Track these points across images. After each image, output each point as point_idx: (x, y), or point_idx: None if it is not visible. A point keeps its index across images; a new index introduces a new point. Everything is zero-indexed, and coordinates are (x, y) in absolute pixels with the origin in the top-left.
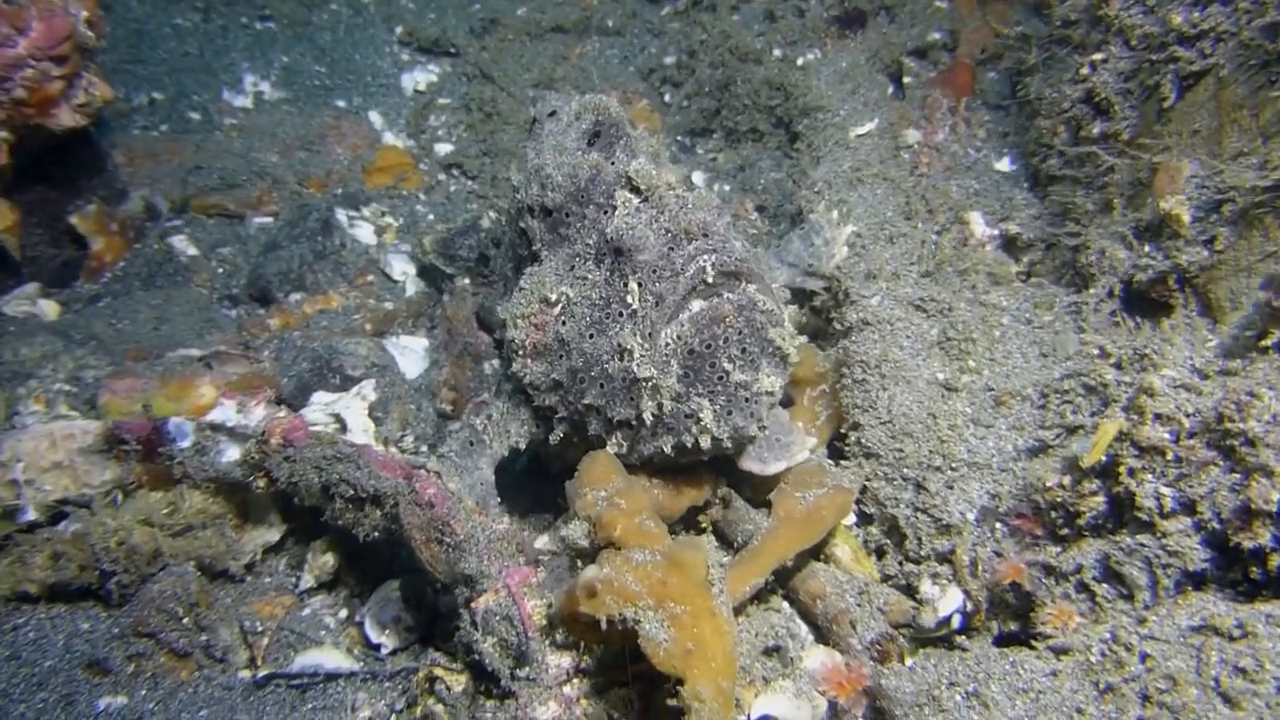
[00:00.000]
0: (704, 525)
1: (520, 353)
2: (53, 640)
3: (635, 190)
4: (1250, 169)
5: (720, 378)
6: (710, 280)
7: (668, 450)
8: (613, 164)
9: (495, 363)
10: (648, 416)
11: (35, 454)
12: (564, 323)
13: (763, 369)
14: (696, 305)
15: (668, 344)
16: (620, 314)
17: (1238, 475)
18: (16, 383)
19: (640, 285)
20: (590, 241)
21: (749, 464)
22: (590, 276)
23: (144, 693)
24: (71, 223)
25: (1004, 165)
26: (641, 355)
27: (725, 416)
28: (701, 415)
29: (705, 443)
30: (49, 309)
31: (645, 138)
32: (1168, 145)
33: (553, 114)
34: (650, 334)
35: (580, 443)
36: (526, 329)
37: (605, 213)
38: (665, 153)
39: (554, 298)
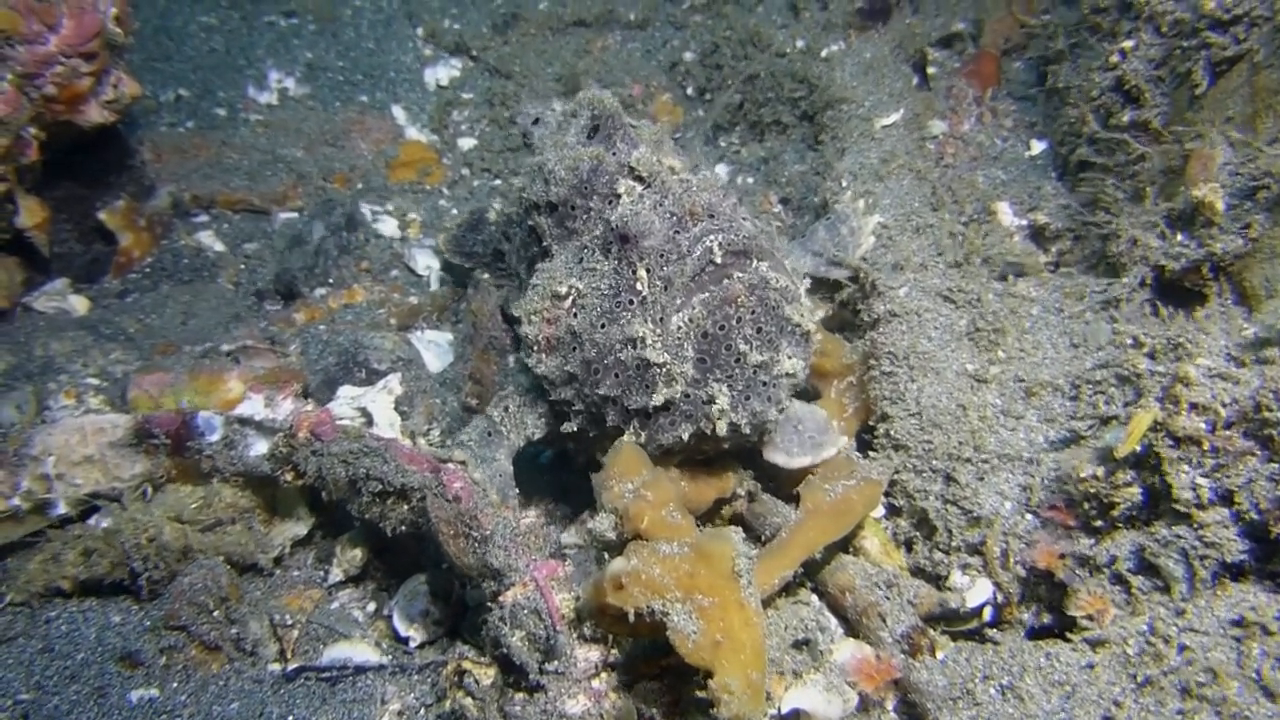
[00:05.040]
0: (725, 517)
1: (535, 348)
2: (84, 633)
3: (638, 178)
4: None
5: (737, 360)
6: (719, 260)
7: (686, 438)
8: (614, 154)
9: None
10: (660, 401)
11: (66, 448)
12: (575, 315)
13: (782, 349)
14: (707, 287)
15: (680, 328)
16: (630, 302)
17: (1276, 465)
18: (47, 377)
19: (649, 271)
20: (597, 232)
21: (774, 455)
22: (599, 267)
23: (175, 685)
24: (100, 219)
25: (1037, 149)
26: (653, 341)
27: (743, 401)
28: (718, 399)
29: (723, 428)
30: (78, 304)
31: (646, 125)
32: (1200, 132)
33: (536, 121)
34: (661, 319)
35: (599, 435)
36: (540, 324)
37: (609, 202)
38: (669, 140)
39: (564, 291)
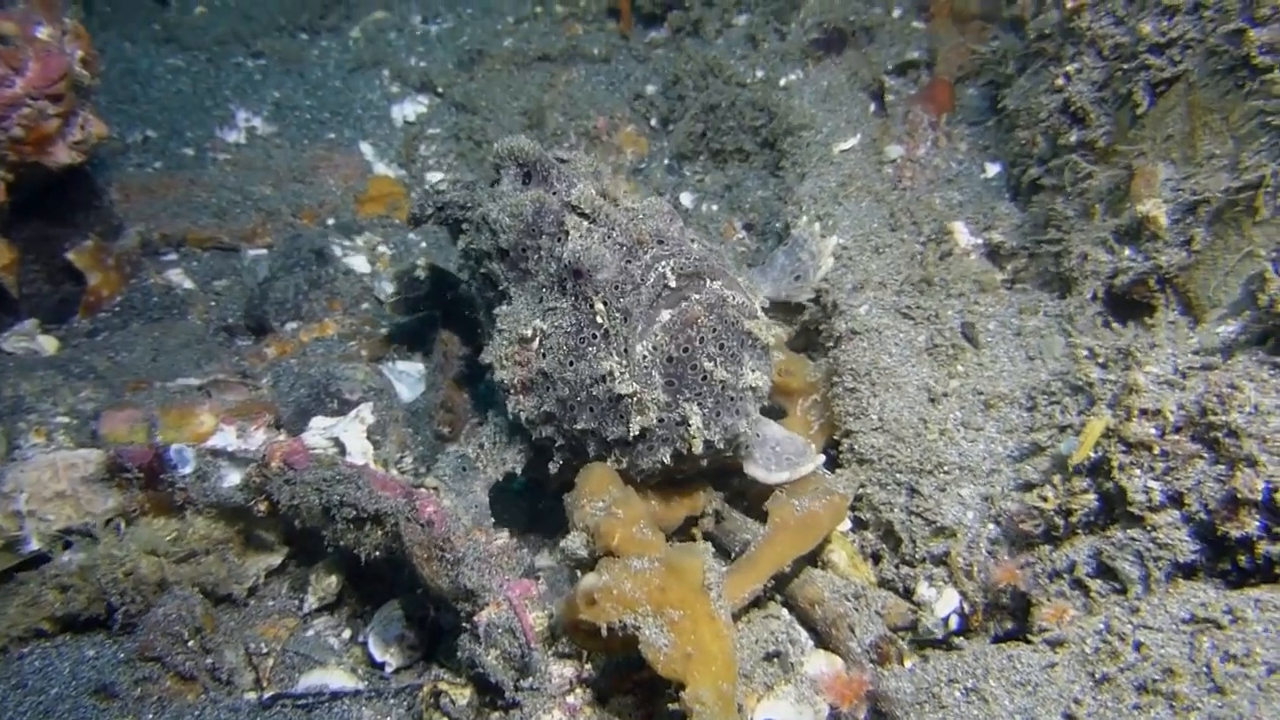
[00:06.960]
0: (692, 535)
1: (511, 392)
2: (59, 668)
3: (582, 215)
4: (1223, 170)
5: (704, 378)
6: (673, 285)
7: (667, 460)
8: (554, 194)
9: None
10: (636, 430)
11: (38, 484)
12: (543, 356)
13: (745, 363)
14: (665, 313)
15: (645, 356)
16: (594, 336)
17: (1223, 466)
18: (16, 417)
19: (606, 304)
20: (552, 271)
21: (753, 469)
22: (558, 305)
23: (151, 716)
24: (68, 258)
25: (991, 171)
26: (621, 373)
27: (715, 418)
28: (691, 420)
29: (699, 447)
30: (47, 344)
31: (581, 158)
32: (1143, 150)
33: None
34: (626, 350)
35: (581, 465)
36: (511, 368)
37: (559, 240)
38: (606, 168)
39: (529, 334)
